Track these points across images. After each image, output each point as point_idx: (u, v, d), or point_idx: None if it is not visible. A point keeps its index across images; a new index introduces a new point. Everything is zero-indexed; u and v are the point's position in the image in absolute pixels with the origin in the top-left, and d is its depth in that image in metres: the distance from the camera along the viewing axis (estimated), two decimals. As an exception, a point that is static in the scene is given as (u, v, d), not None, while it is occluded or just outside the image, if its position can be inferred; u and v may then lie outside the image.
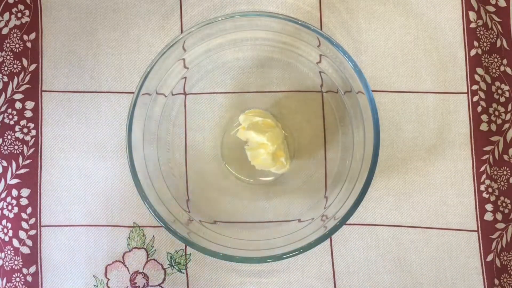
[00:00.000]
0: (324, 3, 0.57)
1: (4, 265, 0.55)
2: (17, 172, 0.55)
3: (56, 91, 0.56)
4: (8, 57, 0.56)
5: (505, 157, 0.56)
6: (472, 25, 0.57)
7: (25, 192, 0.55)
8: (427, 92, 0.56)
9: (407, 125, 0.56)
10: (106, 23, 0.57)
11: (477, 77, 0.56)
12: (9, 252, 0.55)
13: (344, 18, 0.57)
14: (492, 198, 0.55)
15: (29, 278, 0.55)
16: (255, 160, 0.52)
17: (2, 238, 0.55)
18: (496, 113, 0.56)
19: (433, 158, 0.56)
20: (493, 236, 0.55)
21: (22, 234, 0.55)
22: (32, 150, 0.56)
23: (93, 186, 0.56)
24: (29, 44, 0.57)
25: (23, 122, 0.56)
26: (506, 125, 0.56)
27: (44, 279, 0.55)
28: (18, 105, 0.56)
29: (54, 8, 0.57)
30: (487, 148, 0.56)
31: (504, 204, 0.55)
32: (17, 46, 0.56)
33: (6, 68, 0.56)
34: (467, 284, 0.54)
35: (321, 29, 0.56)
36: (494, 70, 0.56)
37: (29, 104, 0.56)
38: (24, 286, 0.55)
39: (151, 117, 0.52)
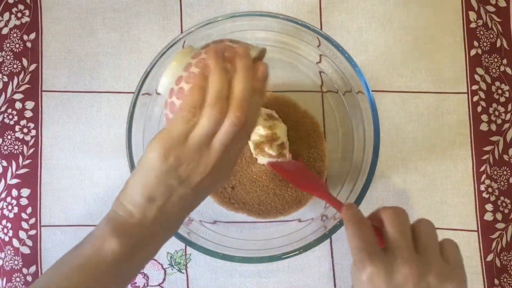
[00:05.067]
0: (324, 3, 0.57)
1: (4, 265, 0.55)
2: (17, 172, 0.55)
3: (56, 91, 0.56)
4: (8, 57, 0.56)
5: (505, 157, 0.56)
6: (472, 25, 0.57)
7: (25, 192, 0.55)
8: (427, 92, 0.56)
9: (407, 125, 0.56)
10: (106, 23, 0.57)
11: (477, 77, 0.56)
12: (9, 252, 0.55)
13: (344, 18, 0.57)
14: (492, 198, 0.55)
15: (29, 278, 0.55)
16: (259, 149, 0.51)
17: (2, 238, 0.55)
18: (496, 113, 0.56)
19: (433, 158, 0.56)
20: (493, 236, 0.55)
21: (22, 234, 0.55)
22: (32, 150, 0.56)
23: (93, 186, 0.56)
24: (29, 44, 0.57)
25: (23, 122, 0.56)
26: (506, 125, 0.56)
27: (44, 279, 0.55)
28: (18, 105, 0.56)
29: (54, 8, 0.57)
30: (487, 148, 0.56)
31: (504, 204, 0.55)
32: (17, 46, 0.56)
33: (6, 68, 0.56)
34: (467, 284, 0.54)
35: (321, 29, 0.56)
36: (494, 70, 0.56)
37: (29, 104, 0.56)
38: (24, 286, 0.55)
39: (151, 117, 0.52)
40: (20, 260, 0.55)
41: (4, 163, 0.55)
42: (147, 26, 0.57)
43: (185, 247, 0.55)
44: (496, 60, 0.56)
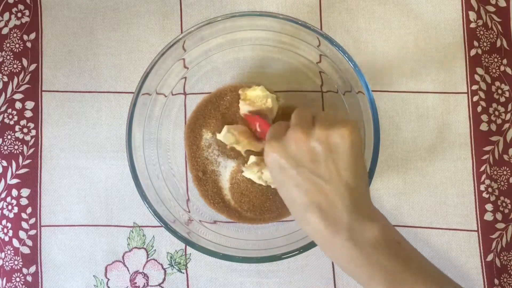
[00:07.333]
0: (324, 3, 0.57)
1: (4, 265, 0.55)
2: (17, 172, 0.55)
3: (56, 91, 0.56)
4: (8, 57, 0.56)
5: (505, 157, 0.56)
6: (472, 25, 0.57)
7: (25, 192, 0.55)
8: (427, 92, 0.56)
9: (407, 125, 0.56)
10: (106, 23, 0.57)
11: (477, 77, 0.56)
12: (9, 252, 0.55)
13: (344, 18, 0.57)
14: (492, 198, 0.55)
15: (29, 278, 0.55)
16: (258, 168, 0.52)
17: (2, 238, 0.55)
18: (496, 113, 0.56)
19: (433, 158, 0.56)
20: (493, 236, 0.55)
21: (22, 234, 0.55)
22: (32, 150, 0.56)
23: (93, 186, 0.56)
24: (29, 44, 0.57)
25: (23, 122, 0.56)
26: (506, 125, 0.56)
27: (44, 279, 0.55)
28: (18, 105, 0.56)
29: (54, 8, 0.57)
30: (487, 148, 0.56)
31: (504, 204, 0.55)
32: (17, 46, 0.56)
33: (6, 68, 0.56)
34: (467, 284, 0.54)
35: (321, 29, 0.56)
36: (494, 70, 0.56)
37: (29, 104, 0.56)
38: (24, 286, 0.55)
39: (151, 117, 0.52)
40: (20, 260, 0.55)
41: (4, 163, 0.55)
42: (147, 26, 0.57)
43: (185, 247, 0.55)
44: (496, 60, 0.56)
